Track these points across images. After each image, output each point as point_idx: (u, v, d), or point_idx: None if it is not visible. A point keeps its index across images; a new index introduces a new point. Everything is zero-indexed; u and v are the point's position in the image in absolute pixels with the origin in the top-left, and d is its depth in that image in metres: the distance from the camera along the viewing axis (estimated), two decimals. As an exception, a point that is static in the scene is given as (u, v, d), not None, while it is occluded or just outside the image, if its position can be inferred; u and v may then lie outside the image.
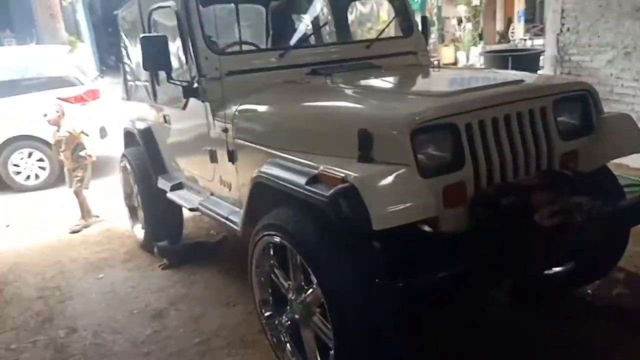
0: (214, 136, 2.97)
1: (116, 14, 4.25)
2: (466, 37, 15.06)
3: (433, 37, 14.35)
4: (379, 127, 2.02)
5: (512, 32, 17.34)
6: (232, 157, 2.82)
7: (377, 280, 1.83)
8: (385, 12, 3.70)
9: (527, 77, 2.55)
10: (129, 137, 4.32)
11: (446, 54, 14.65)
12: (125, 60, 4.29)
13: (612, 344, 2.49)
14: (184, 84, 2.93)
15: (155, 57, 2.79)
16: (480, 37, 15.70)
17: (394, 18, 3.57)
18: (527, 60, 7.43)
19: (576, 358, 2.44)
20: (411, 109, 2.07)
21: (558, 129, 2.27)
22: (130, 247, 4.30)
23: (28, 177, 6.28)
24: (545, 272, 2.74)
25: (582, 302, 2.85)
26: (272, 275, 2.45)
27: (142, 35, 3.09)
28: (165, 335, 2.96)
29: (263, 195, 2.40)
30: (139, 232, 4.26)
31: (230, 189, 2.99)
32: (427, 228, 2.04)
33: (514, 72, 3.44)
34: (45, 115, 4.78)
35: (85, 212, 4.94)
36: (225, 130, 2.81)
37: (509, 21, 17.75)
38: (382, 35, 3.45)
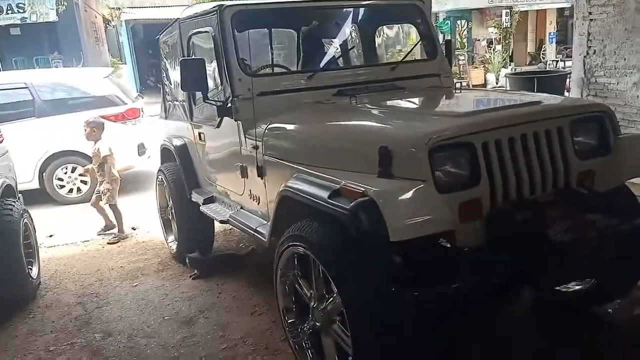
0: (244, 153, 3.12)
1: (157, 38, 4.47)
2: (496, 59, 15.05)
3: (462, 59, 14.38)
4: (398, 144, 2.12)
5: (543, 54, 17.23)
6: (261, 173, 2.96)
7: (393, 288, 1.92)
8: (414, 34, 3.81)
9: (546, 98, 2.62)
10: (165, 153, 4.51)
11: (475, 75, 14.67)
12: (165, 81, 4.49)
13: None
14: (219, 103, 3.08)
15: (193, 78, 2.95)
16: (511, 58, 15.66)
17: (418, 42, 3.67)
18: (553, 82, 7.39)
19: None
20: (429, 128, 2.17)
21: (575, 148, 2.32)
22: (163, 257, 4.48)
23: (71, 191, 6.54)
24: (565, 289, 2.76)
25: (601, 321, 2.85)
26: (295, 284, 2.55)
27: (181, 58, 3.28)
28: (194, 340, 3.09)
29: (289, 208, 2.51)
30: (172, 243, 4.45)
31: (259, 203, 3.13)
32: (444, 242, 2.13)
33: (532, 94, 3.49)
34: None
35: (109, 224, 5.21)
36: (256, 147, 2.95)
37: (540, 42, 17.65)
38: (407, 58, 3.56)
